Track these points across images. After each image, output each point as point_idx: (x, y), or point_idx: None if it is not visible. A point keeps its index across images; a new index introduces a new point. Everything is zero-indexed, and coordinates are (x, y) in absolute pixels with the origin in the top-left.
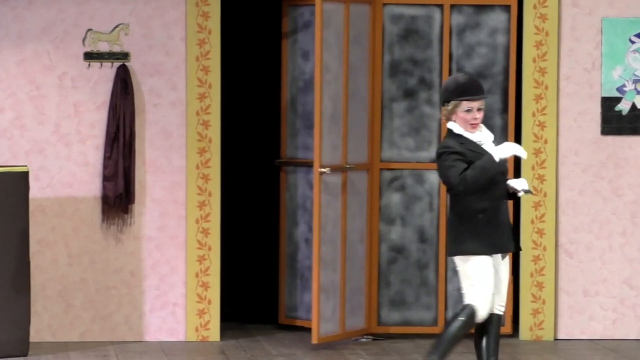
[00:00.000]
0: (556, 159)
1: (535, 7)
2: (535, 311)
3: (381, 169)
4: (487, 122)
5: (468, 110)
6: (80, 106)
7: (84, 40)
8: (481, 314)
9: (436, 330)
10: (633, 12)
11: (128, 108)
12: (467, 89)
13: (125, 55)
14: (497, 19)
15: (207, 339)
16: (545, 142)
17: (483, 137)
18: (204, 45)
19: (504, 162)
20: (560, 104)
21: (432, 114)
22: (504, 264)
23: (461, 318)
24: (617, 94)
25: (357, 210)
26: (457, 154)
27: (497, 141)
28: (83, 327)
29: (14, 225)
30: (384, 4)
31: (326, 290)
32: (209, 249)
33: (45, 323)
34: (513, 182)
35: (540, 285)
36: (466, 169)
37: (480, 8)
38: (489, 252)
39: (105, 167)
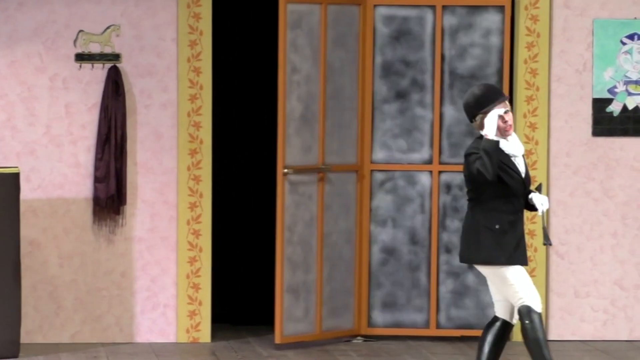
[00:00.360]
0: (547, 160)
1: (526, 8)
2: None
3: (372, 171)
4: None
5: None
6: (71, 107)
7: (75, 41)
8: (536, 305)
9: (428, 332)
10: (624, 13)
11: (119, 109)
12: (486, 99)
13: (116, 57)
14: (490, 19)
15: (198, 341)
16: (537, 143)
17: (514, 149)
18: (196, 47)
19: (527, 176)
20: (551, 105)
21: (424, 116)
22: None
23: (526, 322)
24: (609, 95)
25: (342, 212)
26: (484, 138)
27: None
28: (74, 328)
29: (5, 227)
30: (375, 5)
31: (295, 290)
32: (200, 250)
33: (36, 324)
34: (535, 198)
35: None
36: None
37: (473, 9)
38: (506, 262)
39: (96, 168)
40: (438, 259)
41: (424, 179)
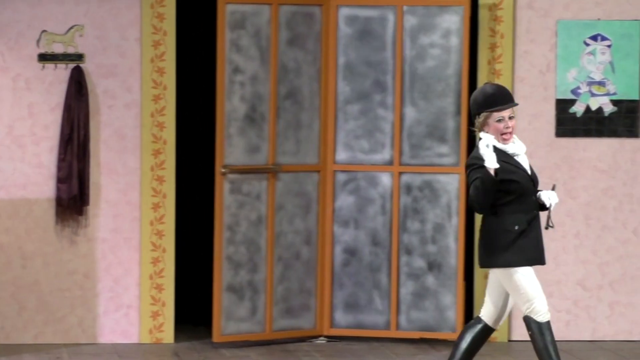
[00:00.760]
0: None
1: (490, 9)
2: None
3: (335, 171)
4: (440, 125)
5: (499, 120)
6: (34, 108)
7: (38, 41)
8: (543, 312)
9: (389, 333)
10: (588, 14)
11: (82, 110)
12: (496, 99)
13: (79, 57)
14: (450, 20)
15: (161, 341)
16: None
17: (517, 148)
18: (159, 47)
19: (533, 174)
20: None
21: (385, 117)
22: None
23: (529, 332)
24: (572, 96)
25: (299, 212)
26: (484, 169)
27: (455, 144)
28: (36, 329)
29: None
30: (339, 6)
31: (238, 290)
32: (164, 251)
33: None
34: (543, 195)
35: None
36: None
37: (434, 10)
38: (527, 264)
39: (59, 168)
40: (398, 261)
41: (385, 180)
